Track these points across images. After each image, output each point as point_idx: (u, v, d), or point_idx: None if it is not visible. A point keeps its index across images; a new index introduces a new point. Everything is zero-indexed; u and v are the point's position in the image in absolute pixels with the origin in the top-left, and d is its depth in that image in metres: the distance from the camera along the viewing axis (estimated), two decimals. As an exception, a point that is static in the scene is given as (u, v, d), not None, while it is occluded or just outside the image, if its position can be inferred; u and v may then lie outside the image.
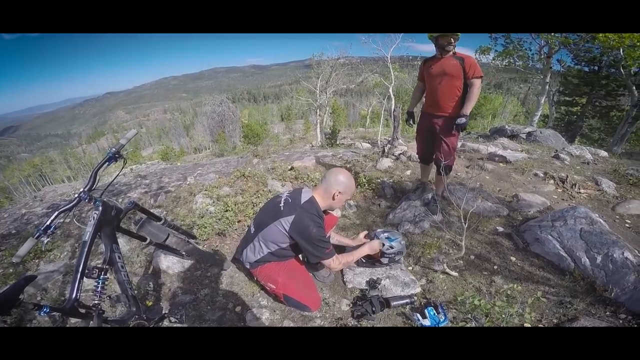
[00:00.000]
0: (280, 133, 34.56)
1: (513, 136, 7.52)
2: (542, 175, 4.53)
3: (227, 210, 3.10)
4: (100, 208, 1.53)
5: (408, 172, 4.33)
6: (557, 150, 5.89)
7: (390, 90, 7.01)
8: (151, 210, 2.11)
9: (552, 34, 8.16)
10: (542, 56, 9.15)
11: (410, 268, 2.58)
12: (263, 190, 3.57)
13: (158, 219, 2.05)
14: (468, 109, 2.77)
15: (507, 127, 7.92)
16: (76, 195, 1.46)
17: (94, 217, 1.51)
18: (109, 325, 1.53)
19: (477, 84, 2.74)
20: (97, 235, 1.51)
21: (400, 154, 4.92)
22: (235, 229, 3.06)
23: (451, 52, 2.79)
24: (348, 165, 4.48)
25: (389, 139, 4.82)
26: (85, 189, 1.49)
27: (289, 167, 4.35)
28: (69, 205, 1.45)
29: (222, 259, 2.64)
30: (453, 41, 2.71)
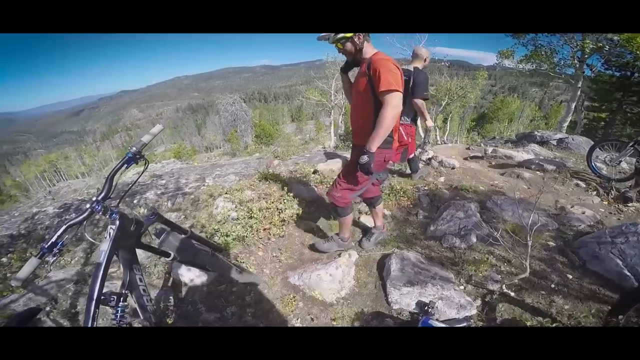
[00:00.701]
0: (292, 133, 34.38)
1: (542, 142, 7.12)
2: (583, 185, 4.17)
3: (251, 217, 2.84)
4: (118, 222, 1.26)
5: (442, 179, 4.00)
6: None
7: None
8: (171, 219, 1.86)
9: (586, 38, 7.67)
10: (575, 61, 8.63)
11: (462, 287, 2.27)
12: (288, 195, 3.29)
13: (183, 231, 1.77)
14: (372, 142, 1.90)
15: (536, 133, 7.51)
16: (88, 206, 1.20)
17: (109, 234, 1.25)
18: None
19: (389, 102, 1.81)
20: (114, 255, 1.25)
21: (430, 158, 4.60)
22: (261, 238, 2.80)
23: (365, 56, 1.98)
24: (376, 169, 4.19)
25: (419, 143, 4.51)
26: (99, 198, 1.23)
27: (312, 170, 4.07)
28: (79, 219, 1.19)
29: (248, 273, 2.37)
30: (331, 40, 1.95)
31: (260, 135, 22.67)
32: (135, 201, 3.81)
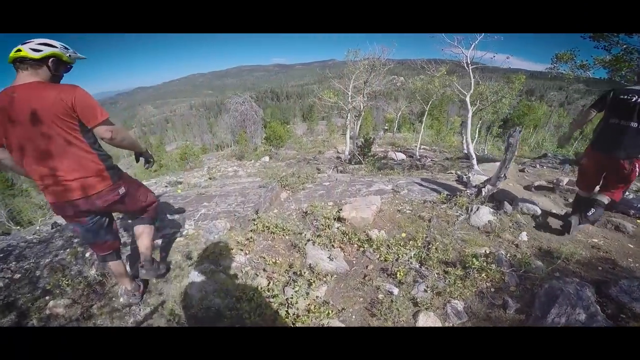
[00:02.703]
0: (303, 135, 33.13)
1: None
2: None
3: (241, 317, 1.69)
4: None
5: (524, 236, 2.75)
6: None
7: (468, 99, 5.32)
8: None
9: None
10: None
11: None
12: (300, 268, 2.13)
13: None
14: None
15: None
16: None
17: None
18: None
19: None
20: None
21: (490, 195, 3.33)
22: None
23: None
24: (427, 215, 2.95)
25: (493, 176, 3.24)
26: None
27: (335, 216, 2.88)
28: None
29: None
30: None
31: (270, 138, 21.55)
32: (87, 254, 2.73)
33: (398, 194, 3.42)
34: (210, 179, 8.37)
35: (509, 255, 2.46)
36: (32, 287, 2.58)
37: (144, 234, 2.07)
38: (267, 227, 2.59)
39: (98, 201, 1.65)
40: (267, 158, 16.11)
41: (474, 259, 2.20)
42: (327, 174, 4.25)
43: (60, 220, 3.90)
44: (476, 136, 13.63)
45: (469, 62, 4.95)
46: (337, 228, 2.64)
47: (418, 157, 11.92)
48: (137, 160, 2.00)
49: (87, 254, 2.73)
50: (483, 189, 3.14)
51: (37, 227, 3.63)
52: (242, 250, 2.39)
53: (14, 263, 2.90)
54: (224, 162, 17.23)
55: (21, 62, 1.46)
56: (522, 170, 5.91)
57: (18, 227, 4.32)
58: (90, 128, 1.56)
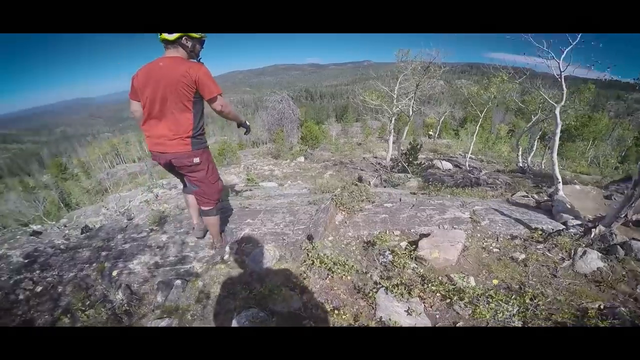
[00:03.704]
0: (338, 136, 32.56)
1: None
2: None
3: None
4: None
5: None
6: None
7: (557, 111, 4.43)
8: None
9: None
10: None
11: None
12: (371, 323, 1.63)
13: None
14: None
15: None
16: None
17: None
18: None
19: None
20: None
21: (602, 235, 2.60)
22: None
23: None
24: (520, 257, 2.32)
25: (609, 214, 2.52)
26: None
27: (410, 254, 2.32)
28: None
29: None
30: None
31: (306, 137, 21.24)
32: (114, 273, 2.42)
33: (478, 224, 2.80)
34: (249, 180, 8.12)
35: (630, 312, 1.80)
36: (53, 304, 2.30)
37: (212, 225, 2.38)
38: (323, 262, 2.12)
39: (174, 160, 1.96)
40: (302, 158, 15.79)
41: (598, 322, 1.60)
42: (386, 192, 3.70)
43: (91, 219, 3.74)
44: (534, 148, 12.30)
45: (562, 70, 4.13)
46: (413, 269, 2.11)
47: (468, 168, 10.91)
48: (239, 127, 2.34)
49: (114, 273, 2.42)
50: (593, 230, 2.45)
51: (67, 231, 3.43)
52: (295, 290, 1.94)
53: (37, 272, 2.67)
54: (260, 159, 17.19)
55: (166, 43, 1.85)
56: (607, 197, 4.93)
57: (54, 222, 4.21)
58: (207, 100, 1.90)
